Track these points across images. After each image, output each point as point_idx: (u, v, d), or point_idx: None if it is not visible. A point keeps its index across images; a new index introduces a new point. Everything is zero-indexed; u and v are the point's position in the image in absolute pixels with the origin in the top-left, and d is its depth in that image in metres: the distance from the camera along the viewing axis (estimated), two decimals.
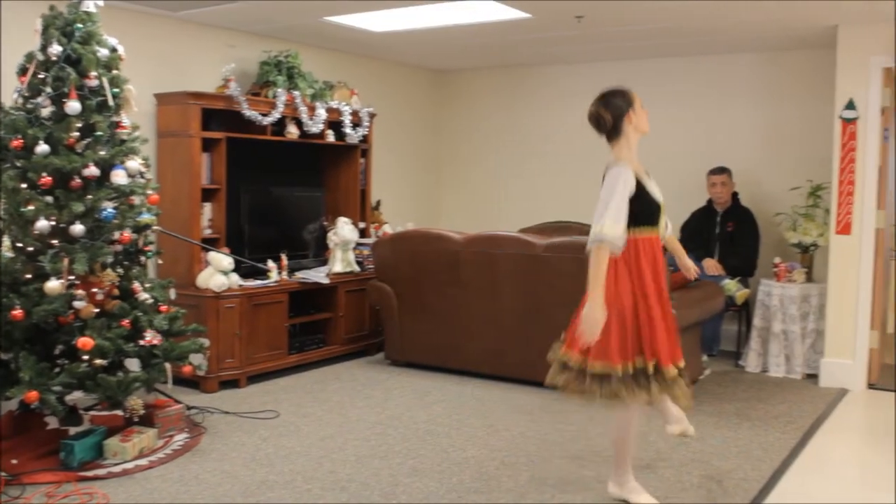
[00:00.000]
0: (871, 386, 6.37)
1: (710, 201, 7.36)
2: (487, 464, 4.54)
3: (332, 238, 7.05)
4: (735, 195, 7.30)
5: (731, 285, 6.77)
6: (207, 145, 6.15)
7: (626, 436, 3.97)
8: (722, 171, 7.25)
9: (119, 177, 4.61)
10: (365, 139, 7.45)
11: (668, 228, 4.08)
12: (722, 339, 7.25)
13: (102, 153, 4.58)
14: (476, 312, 6.32)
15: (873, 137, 6.23)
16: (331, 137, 7.11)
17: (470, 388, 6.14)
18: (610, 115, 3.84)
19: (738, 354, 7.08)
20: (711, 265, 6.94)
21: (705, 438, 5.01)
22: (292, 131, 6.74)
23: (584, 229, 7.76)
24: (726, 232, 7.18)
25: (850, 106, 6.28)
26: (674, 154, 7.92)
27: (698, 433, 5.07)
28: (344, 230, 7.02)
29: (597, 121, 3.88)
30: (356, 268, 7.12)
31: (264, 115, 6.38)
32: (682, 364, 3.86)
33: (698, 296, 6.14)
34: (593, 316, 3.63)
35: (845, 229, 6.33)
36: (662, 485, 4.24)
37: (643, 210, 3.77)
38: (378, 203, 8.05)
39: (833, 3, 5.68)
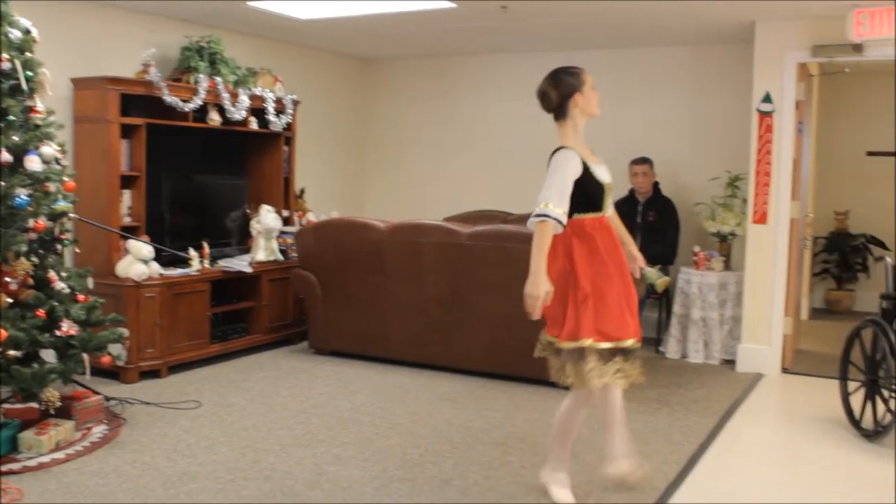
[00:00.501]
0: (785, 370, 6.56)
1: (631, 191, 7.47)
2: (411, 451, 4.55)
3: (255, 226, 6.97)
4: (656, 185, 7.42)
5: (651, 273, 6.83)
6: (127, 131, 6.02)
7: (574, 422, 3.95)
8: (643, 161, 7.37)
9: (33, 163, 4.49)
10: (289, 127, 7.38)
11: (611, 212, 3.98)
12: (643, 326, 7.36)
13: (15, 138, 4.46)
14: (400, 301, 6.33)
15: (788, 130, 6.39)
16: (254, 125, 7.02)
17: (394, 376, 6.15)
18: (557, 93, 3.78)
19: (659, 341, 7.22)
20: None
21: (627, 423, 5.08)
22: (214, 118, 6.64)
23: (507, 218, 7.84)
24: (647, 221, 7.30)
25: (767, 99, 6.44)
26: (596, 144, 7.87)
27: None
28: (267, 218, 6.95)
29: (543, 97, 3.82)
30: (279, 256, 7.06)
31: (186, 101, 6.27)
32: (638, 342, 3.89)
33: None
34: (535, 290, 3.55)
35: (762, 219, 6.49)
36: (584, 469, 4.30)
37: (589, 194, 3.73)
38: (302, 191, 7.99)
39: (750, 2, 5.81)
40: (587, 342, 3.65)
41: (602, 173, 3.84)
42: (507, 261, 5.83)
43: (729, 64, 7.46)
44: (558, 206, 3.60)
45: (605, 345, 3.69)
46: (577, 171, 3.69)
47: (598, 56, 8.03)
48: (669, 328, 7.02)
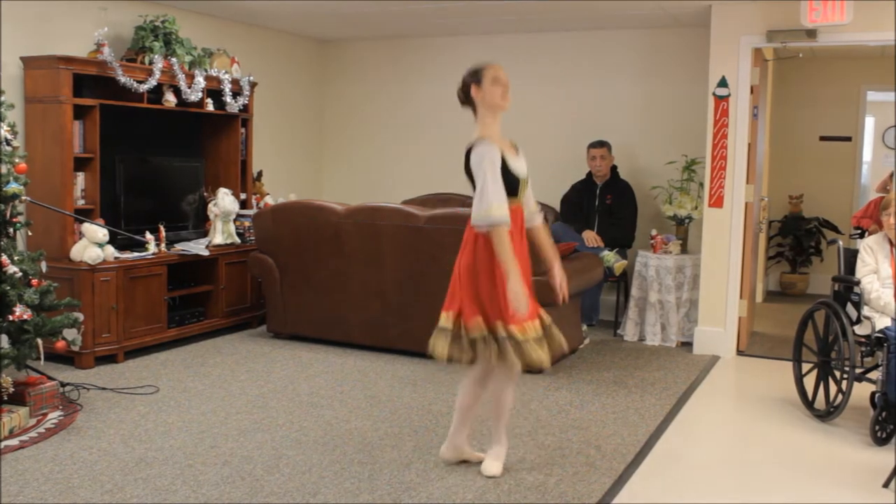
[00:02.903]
0: (740, 353, 6.65)
1: (589, 174, 7.50)
2: (370, 434, 4.55)
3: (212, 209, 6.90)
4: (614, 168, 7.46)
5: (609, 256, 6.94)
6: (80, 112, 5.92)
7: (474, 400, 4.12)
8: (601, 144, 7.40)
9: None
10: (245, 108, 7.30)
11: (539, 217, 4.19)
12: (601, 309, 7.44)
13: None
14: (358, 284, 6.31)
15: (743, 114, 6.45)
16: (210, 106, 6.94)
17: (353, 359, 6.13)
18: (460, 88, 4.06)
19: (617, 324, 7.27)
20: (591, 237, 7.09)
21: (584, 405, 5.14)
22: (170, 99, 6.55)
23: (465, 201, 7.81)
24: (605, 204, 7.34)
25: (723, 83, 6.49)
26: (554, 127, 8.04)
27: (578, 400, 5.21)
28: (224, 201, 6.88)
29: (458, 95, 4.12)
30: (237, 239, 7.00)
31: (140, 82, 6.17)
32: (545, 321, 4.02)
33: (578, 267, 6.26)
34: (516, 290, 3.72)
35: (718, 202, 6.55)
36: (543, 452, 4.33)
37: (505, 184, 3.84)
38: (259, 174, 7.92)
39: None
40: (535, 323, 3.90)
41: (519, 167, 3.96)
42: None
43: (685, 48, 7.51)
44: (501, 206, 3.77)
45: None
46: (497, 163, 3.82)
47: (554, 39, 8.06)
48: (627, 311, 7.08)
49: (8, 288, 4.48)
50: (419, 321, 6.10)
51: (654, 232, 7.09)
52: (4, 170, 4.56)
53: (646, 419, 4.91)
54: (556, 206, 7.70)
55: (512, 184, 3.87)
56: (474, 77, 4.01)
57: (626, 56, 7.83)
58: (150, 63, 6.30)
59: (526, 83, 8.19)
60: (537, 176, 8.19)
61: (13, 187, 4.59)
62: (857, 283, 4.92)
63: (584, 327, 6.91)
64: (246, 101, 7.24)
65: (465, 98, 4.05)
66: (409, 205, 6.53)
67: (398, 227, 6.10)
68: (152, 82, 6.25)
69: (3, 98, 4.68)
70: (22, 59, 5.89)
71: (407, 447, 4.37)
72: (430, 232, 5.97)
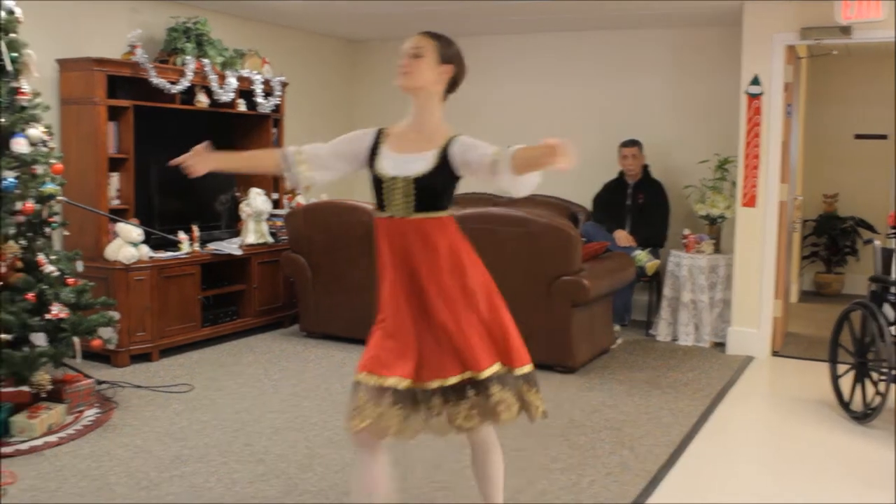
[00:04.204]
0: (775, 353, 6.58)
1: (621, 173, 7.47)
2: None
3: (244, 209, 6.94)
4: (646, 168, 7.43)
5: (641, 256, 6.91)
6: (114, 113, 5.97)
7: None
8: (633, 143, 7.37)
9: (20, 145, 4.46)
10: (277, 109, 7.33)
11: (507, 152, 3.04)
12: (633, 309, 7.40)
13: (2, 120, 4.41)
14: None
15: (777, 113, 6.39)
16: (242, 107, 6.98)
17: None
18: None
19: (649, 324, 7.23)
20: (623, 236, 7.06)
21: (617, 406, 5.11)
22: (202, 100, 6.60)
23: (497, 201, 7.82)
24: (637, 204, 7.31)
25: (755, 82, 6.43)
26: (586, 126, 8.01)
27: (611, 400, 5.19)
28: (257, 201, 6.92)
29: None
30: (269, 239, 7.03)
31: (173, 83, 6.22)
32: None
33: (610, 266, 6.24)
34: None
35: (751, 202, 6.50)
36: (576, 452, 4.32)
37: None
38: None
39: None
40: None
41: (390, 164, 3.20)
42: (497, 244, 5.82)
43: (717, 46, 7.45)
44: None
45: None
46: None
47: (585, 38, 8.03)
48: (659, 311, 7.03)
49: (45, 287, 4.52)
50: None
51: (686, 231, 7.04)
52: (41, 170, 4.61)
53: (679, 420, 4.88)
54: (588, 205, 7.67)
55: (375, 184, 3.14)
56: None
57: (658, 55, 7.79)
58: (183, 64, 6.35)
59: (557, 82, 8.19)
60: (568, 176, 8.17)
61: (49, 188, 4.64)
62: (895, 283, 4.86)
63: (617, 327, 6.88)
64: (277, 102, 7.27)
65: None
66: None
67: None
68: (185, 83, 6.29)
69: (39, 100, 4.73)
70: (57, 61, 5.96)
71: (439, 447, 4.36)
72: (462, 231, 5.95)
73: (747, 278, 6.54)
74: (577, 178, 7.91)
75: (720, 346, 6.70)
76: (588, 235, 6.74)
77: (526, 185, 2.99)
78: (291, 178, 3.17)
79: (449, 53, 3.22)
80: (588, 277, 5.71)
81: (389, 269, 3.03)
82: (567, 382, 5.60)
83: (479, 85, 8.54)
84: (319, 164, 3.22)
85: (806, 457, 4.41)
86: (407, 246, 3.01)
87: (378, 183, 3.13)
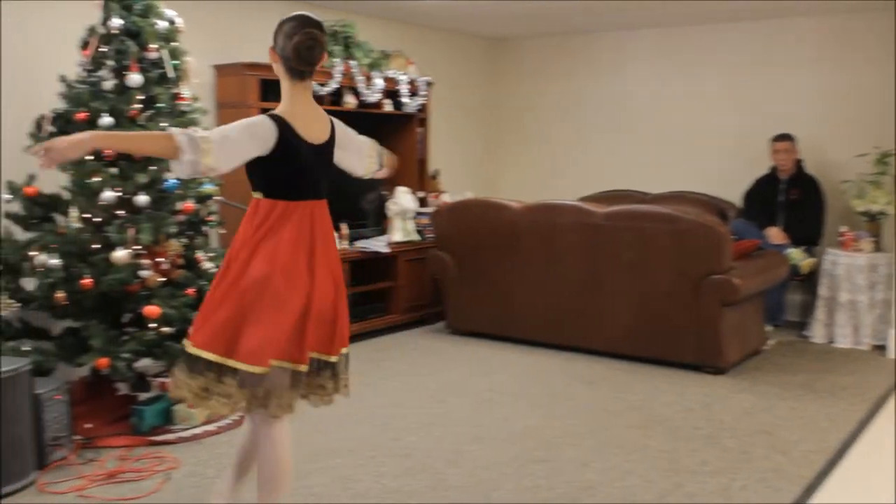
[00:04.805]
0: None
1: (773, 169, 7.22)
2: (549, 432, 4.53)
3: (391, 207, 7.06)
4: (799, 162, 7.15)
5: (796, 254, 6.66)
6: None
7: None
8: (786, 137, 7.10)
9: None
10: (423, 108, 7.43)
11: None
12: (786, 309, 7.14)
13: (164, 124, 4.62)
14: (536, 282, 6.30)
15: None
16: (388, 107, 7.10)
17: (530, 357, 6.13)
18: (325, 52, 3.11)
19: (804, 325, 6.96)
20: (776, 234, 6.83)
21: (769, 409, 4.95)
22: (350, 101, 6.75)
23: (643, 198, 7.71)
24: (790, 200, 7.05)
25: None
26: (735, 120, 7.79)
27: (763, 403, 5.02)
28: (403, 200, 7.03)
29: (320, 50, 3.03)
30: (416, 237, 7.13)
31: (322, 85, 6.39)
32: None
33: (761, 265, 6.05)
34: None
35: None
36: (727, 455, 4.20)
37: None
38: (436, 172, 8.04)
39: None
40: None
41: None
42: (644, 241, 5.74)
43: (873, 33, 7.10)
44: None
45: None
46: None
47: (731, 29, 7.81)
48: (815, 311, 6.75)
49: (204, 283, 4.71)
50: (597, 319, 6.05)
51: (843, 228, 6.74)
52: None
53: (837, 425, 4.68)
54: (738, 201, 7.46)
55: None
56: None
57: (812, 44, 7.47)
58: (331, 67, 6.51)
59: (704, 76, 7.99)
60: (717, 171, 7.96)
61: (207, 188, 4.84)
62: None
63: (769, 328, 6.65)
64: (423, 101, 7.37)
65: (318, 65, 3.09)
66: (586, 202, 6.48)
67: (576, 225, 6.05)
68: (333, 85, 6.46)
69: (197, 104, 4.94)
70: (214, 67, 6.21)
71: (586, 446, 4.33)
72: (609, 229, 5.90)
73: None
74: (727, 173, 7.72)
75: (880, 348, 6.38)
76: (738, 233, 6.55)
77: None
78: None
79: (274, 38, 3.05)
80: (739, 276, 5.55)
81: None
82: (717, 384, 5.46)
83: (627, 80, 8.44)
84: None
85: None
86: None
87: None
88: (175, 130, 2.87)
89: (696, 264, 5.59)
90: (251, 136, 2.93)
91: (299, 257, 3.02)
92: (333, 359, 3.18)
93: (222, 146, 2.87)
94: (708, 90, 7.96)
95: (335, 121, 3.26)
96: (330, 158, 3.24)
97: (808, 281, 6.99)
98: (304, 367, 3.04)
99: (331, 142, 3.19)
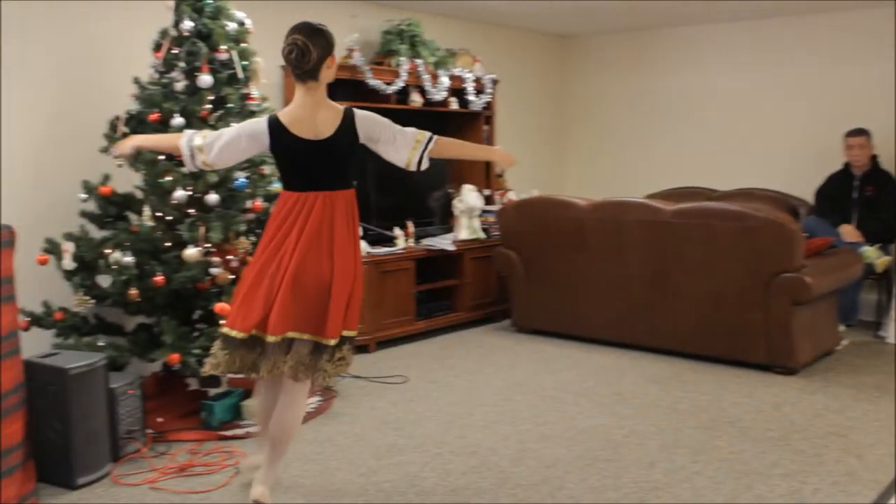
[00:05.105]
0: None
1: (847, 165, 7.06)
2: (616, 432, 4.50)
3: (457, 205, 7.08)
4: (874, 158, 6.98)
5: (870, 252, 6.51)
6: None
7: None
8: (860, 132, 6.94)
9: None
10: (488, 106, 7.43)
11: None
12: (861, 309, 6.97)
13: (234, 124, 4.68)
14: (602, 280, 6.25)
15: None
16: (454, 105, 7.12)
17: (597, 355, 6.09)
18: (317, 53, 3.37)
19: (878, 325, 6.79)
20: (849, 231, 6.69)
21: (843, 411, 4.84)
22: (416, 99, 6.78)
23: (712, 195, 7.61)
24: (865, 197, 6.89)
25: None
26: (807, 115, 7.65)
27: (836, 405, 4.92)
28: (469, 197, 7.04)
29: (301, 54, 3.36)
30: (482, 235, 7.14)
31: (388, 83, 6.43)
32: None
33: (834, 263, 5.92)
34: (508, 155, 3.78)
35: None
36: (798, 458, 4.12)
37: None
38: (502, 170, 8.03)
39: None
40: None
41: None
42: (713, 239, 5.66)
43: None
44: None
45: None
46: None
47: (802, 22, 7.66)
48: (890, 311, 6.59)
49: None
50: (665, 318, 5.99)
51: None
52: (268, 170, 4.88)
53: None
54: (809, 198, 7.31)
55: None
56: (332, 46, 3.47)
57: (882, 35, 7.27)
58: (397, 65, 6.55)
59: (774, 70, 7.85)
60: (788, 167, 7.83)
61: (276, 186, 4.90)
62: None
63: (842, 328, 6.51)
64: (488, 99, 7.37)
65: (316, 66, 3.41)
66: (653, 199, 6.41)
67: (643, 222, 5.99)
68: (399, 84, 6.49)
69: (266, 104, 5.01)
70: (282, 67, 6.28)
71: (652, 446, 4.29)
72: (677, 226, 5.83)
73: None
74: (799, 169, 7.58)
75: None
76: (810, 230, 6.42)
77: None
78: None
79: None
80: (810, 274, 5.44)
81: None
82: (787, 384, 5.36)
83: (695, 76, 8.33)
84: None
85: None
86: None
87: None
88: (183, 134, 3.55)
89: (767, 262, 5.49)
90: (247, 136, 3.48)
91: (291, 239, 3.38)
92: (330, 342, 3.42)
93: (212, 147, 3.48)
94: (778, 84, 7.82)
95: (359, 115, 3.57)
96: (337, 152, 3.49)
97: (883, 280, 6.83)
98: (271, 339, 3.35)
99: (337, 136, 3.47)
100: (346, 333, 3.50)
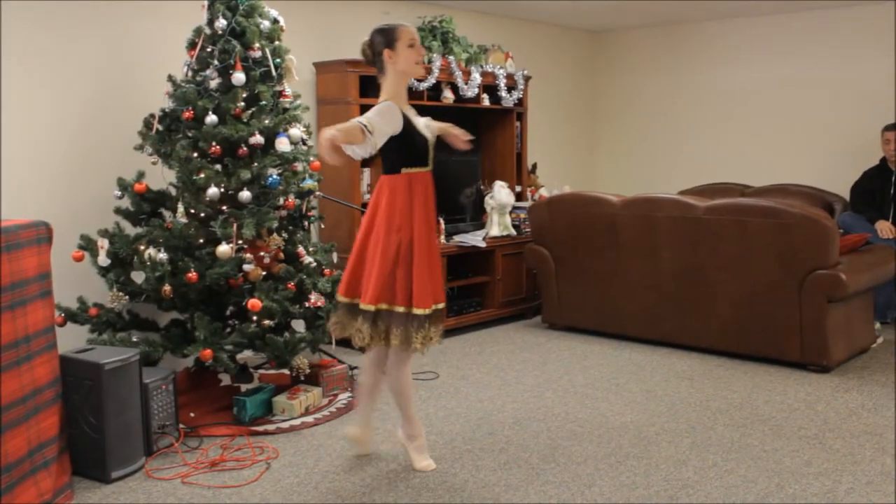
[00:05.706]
0: None
1: (883, 160, 6.97)
2: (646, 429, 4.48)
3: (488, 202, 7.07)
4: None
5: None
6: (366, 112, 6.24)
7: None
8: None
9: (283, 144, 4.75)
10: (520, 102, 7.42)
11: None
12: None
13: (267, 122, 4.73)
14: (634, 276, 6.22)
15: None
16: (486, 101, 7.12)
17: (628, 352, 6.07)
18: (371, 50, 3.86)
19: None
20: (886, 228, 6.60)
21: (878, 410, 4.79)
22: (448, 96, 6.78)
23: (745, 191, 7.55)
24: None
25: None
26: (842, 109, 7.56)
27: (871, 403, 4.86)
28: (500, 194, 7.03)
29: (363, 52, 3.91)
30: (513, 231, 7.13)
31: (420, 80, 6.43)
32: (440, 305, 3.91)
33: (870, 260, 5.85)
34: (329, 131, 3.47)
35: None
36: (832, 457, 4.08)
37: (415, 147, 3.82)
38: (534, 166, 8.02)
39: None
40: (441, 305, 3.91)
41: (424, 128, 3.90)
42: (746, 235, 5.61)
43: None
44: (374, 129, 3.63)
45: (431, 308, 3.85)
46: (396, 124, 3.72)
47: (836, 15, 7.58)
48: None
49: (304, 277, 4.81)
50: (696, 315, 5.95)
51: None
52: (300, 168, 4.91)
53: None
54: (845, 194, 7.23)
55: (420, 147, 3.84)
56: (389, 39, 3.83)
57: None
58: (429, 62, 6.55)
59: (807, 64, 7.77)
60: (823, 163, 7.76)
61: (308, 184, 4.93)
62: None
63: (878, 325, 6.43)
64: (520, 95, 7.35)
65: (374, 60, 3.87)
66: (686, 195, 6.37)
67: (675, 219, 5.96)
68: (431, 80, 6.49)
69: (299, 101, 5.04)
70: (314, 64, 6.32)
71: (684, 444, 4.27)
72: (710, 223, 5.79)
73: None
74: (834, 164, 7.50)
75: None
76: (846, 226, 6.35)
77: None
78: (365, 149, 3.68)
79: None
80: (846, 271, 5.38)
81: (421, 211, 3.87)
82: (822, 382, 5.30)
83: (728, 71, 8.26)
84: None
85: None
86: (431, 196, 3.95)
87: (424, 142, 3.85)
88: (351, 121, 3.61)
89: (802, 259, 5.44)
90: (391, 117, 3.71)
91: (417, 213, 3.89)
92: (399, 309, 3.78)
93: (375, 128, 3.61)
94: (813, 79, 7.74)
95: None
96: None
97: None
98: (358, 302, 3.83)
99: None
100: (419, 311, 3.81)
